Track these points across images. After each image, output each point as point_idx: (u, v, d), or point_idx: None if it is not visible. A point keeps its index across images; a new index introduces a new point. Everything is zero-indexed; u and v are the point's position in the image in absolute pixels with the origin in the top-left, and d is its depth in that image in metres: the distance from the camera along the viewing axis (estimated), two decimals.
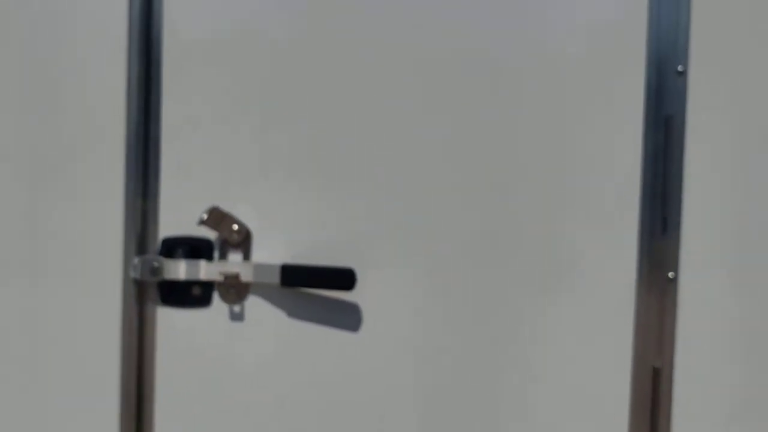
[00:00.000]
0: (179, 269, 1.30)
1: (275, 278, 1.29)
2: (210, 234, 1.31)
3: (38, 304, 1.32)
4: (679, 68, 1.26)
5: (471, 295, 1.32)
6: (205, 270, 1.31)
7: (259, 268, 1.30)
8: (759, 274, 1.30)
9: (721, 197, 1.29)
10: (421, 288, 1.32)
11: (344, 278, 1.29)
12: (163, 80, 1.30)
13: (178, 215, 1.31)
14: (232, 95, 1.31)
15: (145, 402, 1.32)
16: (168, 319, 1.33)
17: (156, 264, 1.30)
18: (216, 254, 1.32)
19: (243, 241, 1.32)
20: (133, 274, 1.30)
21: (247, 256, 1.32)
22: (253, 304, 1.33)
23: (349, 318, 1.33)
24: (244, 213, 1.31)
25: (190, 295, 1.33)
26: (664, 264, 1.29)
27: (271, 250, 1.32)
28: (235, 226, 1.31)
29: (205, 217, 1.29)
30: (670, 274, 1.28)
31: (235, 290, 1.32)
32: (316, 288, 1.31)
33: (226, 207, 1.31)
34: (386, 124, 1.31)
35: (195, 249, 1.32)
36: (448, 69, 1.30)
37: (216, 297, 1.33)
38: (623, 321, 1.29)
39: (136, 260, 1.30)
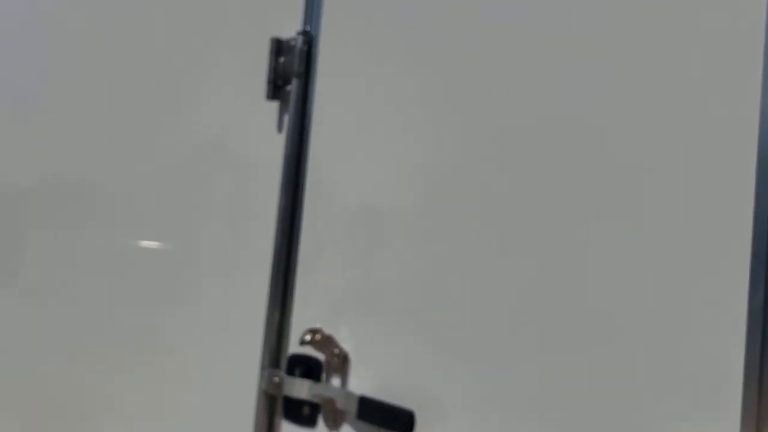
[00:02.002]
0: (292, 386, 1.37)
1: (354, 408, 1.25)
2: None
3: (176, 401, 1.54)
4: None
5: None
6: (308, 390, 1.34)
7: (345, 395, 1.28)
8: None
9: None
10: None
11: (403, 420, 1.17)
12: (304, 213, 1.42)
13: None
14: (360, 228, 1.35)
15: None
16: None
17: (276, 379, 1.39)
18: (324, 376, 1.35)
19: (342, 366, 1.32)
20: (262, 386, 1.41)
21: (344, 382, 1.31)
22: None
23: None
24: (343, 338, 1.32)
25: (302, 414, 1.37)
26: None
27: (368, 382, 1.29)
28: (336, 350, 1.32)
29: (308, 338, 1.34)
30: None
31: (332, 415, 1.32)
32: (380, 426, 1.21)
33: (329, 331, 1.33)
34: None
35: (309, 369, 1.37)
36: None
37: (320, 419, 1.35)
38: None
39: (264, 373, 1.41)
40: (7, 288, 2.23)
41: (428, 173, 1.23)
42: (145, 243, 1.72)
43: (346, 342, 1.32)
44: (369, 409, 1.23)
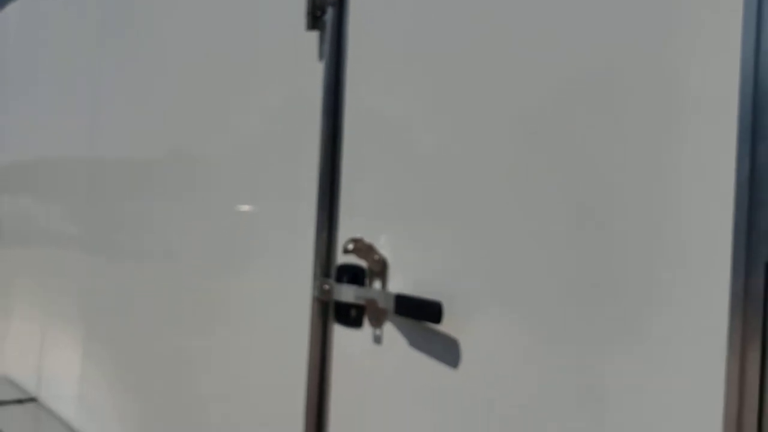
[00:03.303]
0: (340, 292, 1.50)
1: (392, 305, 1.37)
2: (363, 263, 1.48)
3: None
4: None
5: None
6: (354, 294, 1.47)
7: (385, 295, 1.40)
8: None
9: None
10: (523, 330, 1.20)
11: (434, 310, 1.28)
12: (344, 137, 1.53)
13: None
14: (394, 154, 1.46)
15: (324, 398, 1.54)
16: (340, 334, 1.53)
17: (327, 286, 1.53)
18: (367, 281, 1.47)
19: (382, 271, 1.44)
20: (315, 294, 1.56)
21: (384, 284, 1.43)
22: (390, 329, 1.42)
23: (453, 353, 1.30)
24: (382, 245, 1.44)
25: (349, 316, 1.51)
26: None
27: (405, 282, 1.40)
28: (376, 256, 1.44)
29: (351, 246, 1.46)
30: None
31: (375, 314, 1.45)
32: (414, 317, 1.33)
33: (370, 240, 1.45)
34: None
35: (355, 275, 1.49)
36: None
37: (366, 320, 1.47)
38: None
39: (316, 282, 1.55)
40: (114, 250, 2.47)
41: (459, 95, 1.32)
42: (228, 202, 1.89)
43: (384, 249, 1.44)
44: (404, 304, 1.35)
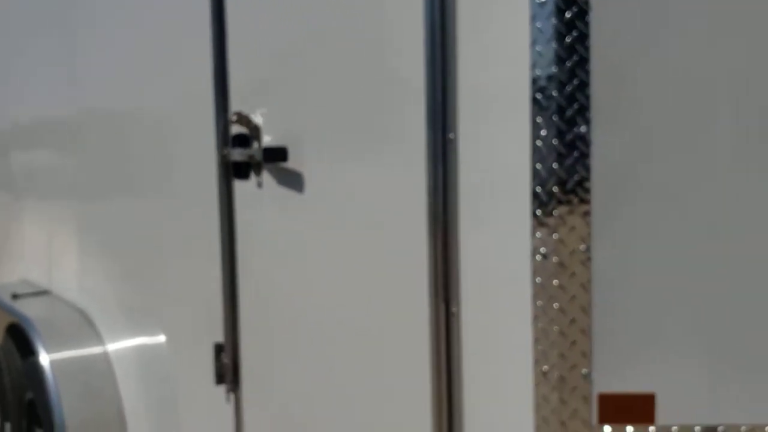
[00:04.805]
0: (234, 154, 2.04)
1: (261, 157, 1.92)
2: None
3: None
4: None
5: None
6: (240, 153, 2.02)
7: (260, 151, 1.95)
8: None
9: None
10: None
11: (281, 152, 1.84)
12: None
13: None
14: None
15: None
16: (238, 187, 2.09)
17: (225, 151, 2.08)
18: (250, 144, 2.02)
19: (257, 134, 1.98)
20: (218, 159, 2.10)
21: (260, 145, 1.98)
22: (267, 176, 1.98)
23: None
24: (257, 115, 1.98)
25: (240, 171, 2.06)
26: None
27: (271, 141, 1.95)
28: (252, 124, 1.98)
29: (234, 118, 2.00)
30: None
31: (256, 168, 2.00)
32: (273, 161, 1.88)
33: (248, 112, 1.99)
34: None
35: (242, 141, 2.04)
36: None
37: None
38: None
39: (218, 150, 2.10)
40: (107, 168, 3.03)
41: None
42: None
43: (257, 118, 1.97)
44: (269, 153, 1.90)
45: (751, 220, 1.25)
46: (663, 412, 1.29)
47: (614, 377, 1.29)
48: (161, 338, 2.66)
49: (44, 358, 3.01)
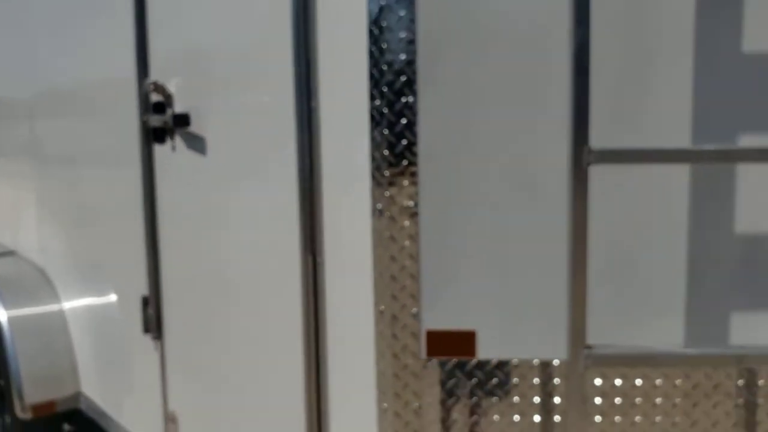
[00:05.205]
0: (153, 120, 2.22)
1: (172, 122, 2.10)
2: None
3: None
4: None
5: None
6: (157, 119, 2.19)
7: (171, 115, 2.13)
8: None
9: None
10: None
11: (185, 119, 2.02)
12: None
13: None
14: None
15: None
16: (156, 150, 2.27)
17: (144, 117, 2.25)
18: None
19: (170, 102, 2.16)
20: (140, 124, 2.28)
21: (173, 111, 2.16)
22: (179, 140, 2.15)
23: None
24: (171, 87, 2.15)
25: (161, 137, 2.24)
26: None
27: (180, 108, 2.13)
28: (167, 92, 2.16)
29: (151, 87, 2.18)
30: None
31: (169, 132, 2.18)
32: (181, 126, 2.06)
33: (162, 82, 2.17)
34: None
35: (157, 108, 2.21)
36: None
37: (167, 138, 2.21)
38: None
39: (141, 116, 2.27)
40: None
41: None
42: None
43: (172, 87, 2.15)
44: (177, 119, 2.08)
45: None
46: (483, 348, 1.48)
47: (440, 316, 1.48)
48: (112, 296, 2.86)
49: (2, 315, 3.23)
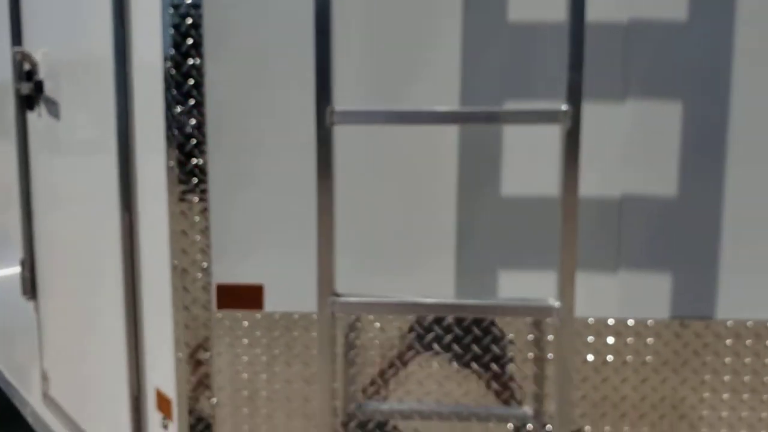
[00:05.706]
0: (24, 88, 2.30)
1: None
2: None
3: None
4: None
5: None
6: (26, 87, 2.27)
7: (33, 84, 2.21)
8: None
9: None
10: None
11: (39, 86, 2.10)
12: None
13: None
14: None
15: None
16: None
17: (18, 86, 2.33)
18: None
19: (36, 69, 2.24)
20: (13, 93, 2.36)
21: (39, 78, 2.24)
22: (44, 108, 2.23)
23: None
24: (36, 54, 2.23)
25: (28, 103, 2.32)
26: None
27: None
28: (33, 60, 2.24)
29: (19, 56, 2.25)
30: None
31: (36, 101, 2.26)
32: (38, 93, 2.14)
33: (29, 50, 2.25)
34: None
35: (30, 75, 2.29)
36: None
37: None
38: None
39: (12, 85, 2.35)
40: None
41: None
42: None
43: (36, 55, 2.23)
44: (37, 86, 2.16)
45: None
46: (270, 301, 1.56)
47: (229, 271, 1.56)
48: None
49: None
